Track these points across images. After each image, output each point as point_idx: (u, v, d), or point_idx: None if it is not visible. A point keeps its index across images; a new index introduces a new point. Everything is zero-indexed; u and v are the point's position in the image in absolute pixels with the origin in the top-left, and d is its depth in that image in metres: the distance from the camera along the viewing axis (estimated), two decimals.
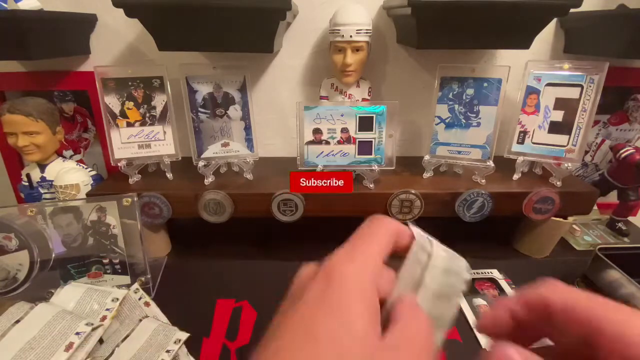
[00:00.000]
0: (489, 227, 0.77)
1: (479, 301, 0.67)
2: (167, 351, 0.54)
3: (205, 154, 0.73)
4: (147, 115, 0.72)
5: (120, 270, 0.68)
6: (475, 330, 0.59)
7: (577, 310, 0.17)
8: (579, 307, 0.17)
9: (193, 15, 0.59)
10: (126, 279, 0.68)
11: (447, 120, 0.73)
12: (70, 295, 0.62)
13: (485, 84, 0.70)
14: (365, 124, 0.70)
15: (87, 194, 0.72)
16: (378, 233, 0.21)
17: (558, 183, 0.73)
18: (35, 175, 0.75)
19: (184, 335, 0.57)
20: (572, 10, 0.59)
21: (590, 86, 0.67)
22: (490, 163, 0.72)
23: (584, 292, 0.18)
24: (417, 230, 0.23)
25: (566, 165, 0.71)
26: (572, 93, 0.69)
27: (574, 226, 0.87)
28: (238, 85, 0.72)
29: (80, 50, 0.76)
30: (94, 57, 0.78)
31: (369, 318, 0.18)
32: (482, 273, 0.74)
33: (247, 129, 0.75)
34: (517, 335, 0.20)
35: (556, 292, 0.19)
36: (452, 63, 0.70)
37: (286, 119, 0.85)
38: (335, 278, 0.19)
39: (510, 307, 0.20)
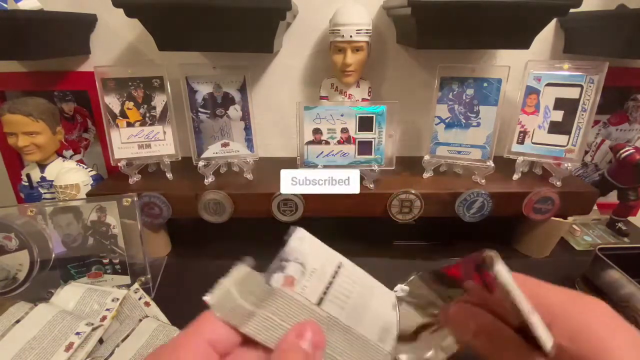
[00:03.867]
0: (489, 227, 0.77)
1: None
2: None
3: (205, 154, 0.73)
4: (147, 115, 0.72)
5: (120, 270, 0.68)
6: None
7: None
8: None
9: (193, 15, 0.59)
10: (126, 279, 0.68)
11: (447, 120, 0.73)
12: (70, 295, 0.62)
13: (485, 84, 0.70)
14: (365, 124, 0.70)
15: (87, 194, 0.72)
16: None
17: (558, 183, 0.73)
18: (35, 175, 0.75)
19: None
20: (572, 10, 0.59)
21: (590, 86, 0.67)
22: (490, 163, 0.72)
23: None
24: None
25: (566, 165, 0.71)
26: (572, 93, 0.69)
27: (574, 226, 0.87)
28: (238, 85, 0.72)
29: (80, 50, 0.76)
30: (94, 57, 0.78)
31: None
32: None
33: (247, 129, 0.75)
34: None
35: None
36: (452, 63, 0.70)
37: (286, 119, 0.85)
38: None
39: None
